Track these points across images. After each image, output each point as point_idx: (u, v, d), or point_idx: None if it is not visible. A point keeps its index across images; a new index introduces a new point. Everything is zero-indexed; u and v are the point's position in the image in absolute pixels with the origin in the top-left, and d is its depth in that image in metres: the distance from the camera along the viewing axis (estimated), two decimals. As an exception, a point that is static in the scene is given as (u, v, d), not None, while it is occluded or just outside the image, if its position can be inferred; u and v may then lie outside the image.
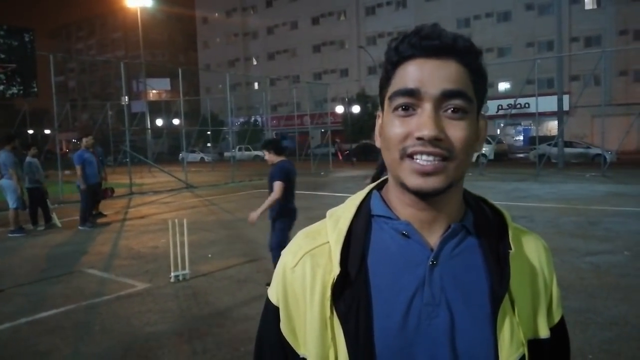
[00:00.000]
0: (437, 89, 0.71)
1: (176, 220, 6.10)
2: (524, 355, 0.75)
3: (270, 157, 5.44)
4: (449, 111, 0.72)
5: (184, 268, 5.94)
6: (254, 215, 5.18)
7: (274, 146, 5.51)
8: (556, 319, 0.84)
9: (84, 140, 9.87)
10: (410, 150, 0.72)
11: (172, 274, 5.87)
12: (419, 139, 0.71)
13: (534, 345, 0.78)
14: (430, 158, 0.71)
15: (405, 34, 0.76)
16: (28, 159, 9.73)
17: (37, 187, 9.74)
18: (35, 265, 6.88)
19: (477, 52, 0.76)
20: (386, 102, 0.77)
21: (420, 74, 0.72)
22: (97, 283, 5.96)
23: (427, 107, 0.72)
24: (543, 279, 0.82)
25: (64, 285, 5.86)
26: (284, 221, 5.36)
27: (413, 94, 0.72)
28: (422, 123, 0.71)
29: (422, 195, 0.74)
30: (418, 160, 0.72)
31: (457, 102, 0.72)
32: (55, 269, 6.63)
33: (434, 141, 0.70)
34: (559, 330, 0.84)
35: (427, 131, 0.70)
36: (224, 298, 5.24)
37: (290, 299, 0.81)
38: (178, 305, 5.05)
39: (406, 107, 0.73)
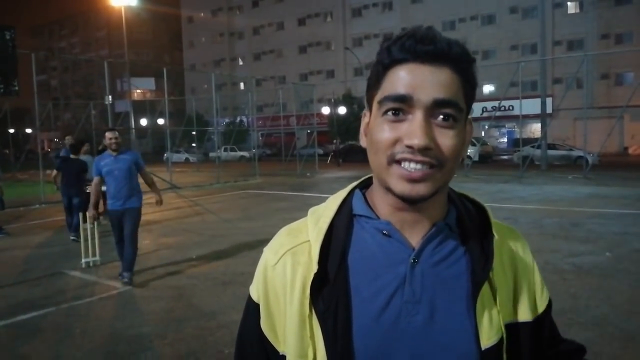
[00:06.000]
0: (429, 97, 0.70)
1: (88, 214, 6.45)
2: (502, 338, 0.77)
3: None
4: (440, 119, 0.71)
5: (94, 255, 6.62)
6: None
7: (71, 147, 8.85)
8: (545, 302, 0.85)
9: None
10: (398, 156, 0.71)
11: (83, 260, 6.56)
12: (408, 147, 0.70)
13: (515, 328, 0.80)
14: (419, 166, 0.70)
15: (398, 35, 0.74)
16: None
17: None
18: (15, 267, 6.74)
19: (471, 59, 0.75)
20: (375, 104, 0.75)
21: (412, 79, 0.71)
22: (79, 285, 5.87)
23: (418, 115, 0.70)
24: (524, 266, 0.84)
25: (44, 288, 5.75)
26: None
27: (404, 100, 0.71)
28: (413, 132, 0.70)
29: (408, 201, 0.73)
30: (406, 167, 0.71)
31: (448, 111, 0.71)
32: (35, 270, 6.51)
33: (424, 150, 0.69)
34: (547, 314, 0.86)
35: (418, 140, 0.69)
36: (208, 300, 5.19)
37: (270, 296, 0.81)
38: (161, 307, 4.98)
39: (396, 112, 0.72)
